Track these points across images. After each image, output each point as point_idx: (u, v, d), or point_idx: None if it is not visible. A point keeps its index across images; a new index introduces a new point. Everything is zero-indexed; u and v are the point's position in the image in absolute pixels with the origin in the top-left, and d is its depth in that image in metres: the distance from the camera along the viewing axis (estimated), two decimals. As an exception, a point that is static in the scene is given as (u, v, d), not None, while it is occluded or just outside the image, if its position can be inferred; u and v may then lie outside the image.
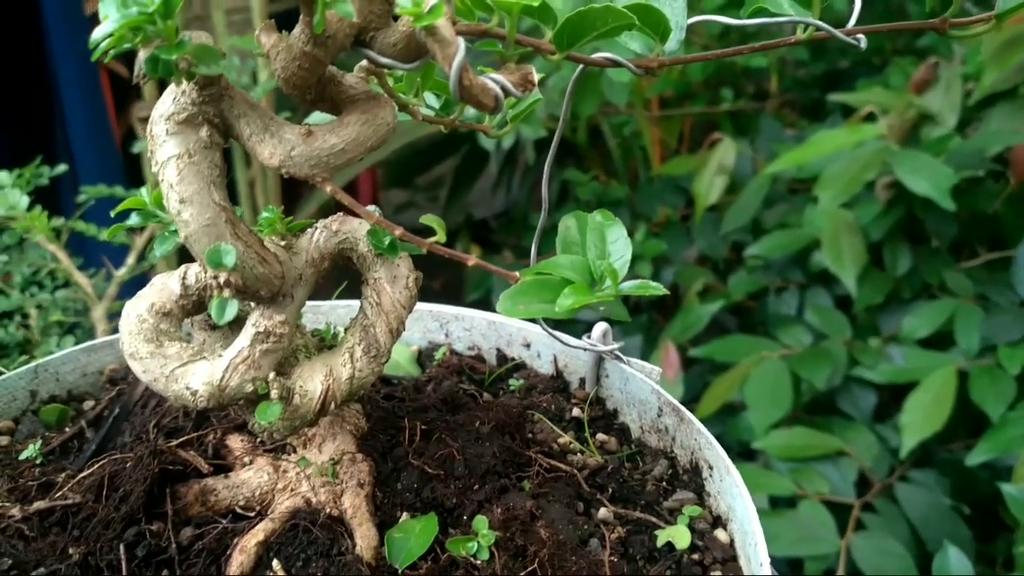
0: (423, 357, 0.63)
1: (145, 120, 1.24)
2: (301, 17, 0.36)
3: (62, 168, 0.92)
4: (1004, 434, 1.32)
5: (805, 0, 0.50)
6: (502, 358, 0.63)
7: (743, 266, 1.74)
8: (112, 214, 0.48)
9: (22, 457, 0.51)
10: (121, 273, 0.89)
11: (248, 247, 0.38)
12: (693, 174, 1.70)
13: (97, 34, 0.32)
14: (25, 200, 0.87)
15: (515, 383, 0.59)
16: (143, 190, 0.47)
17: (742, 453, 1.54)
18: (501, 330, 0.63)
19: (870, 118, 1.65)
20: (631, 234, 1.86)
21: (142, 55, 0.34)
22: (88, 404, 0.58)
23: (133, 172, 1.67)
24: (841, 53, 1.89)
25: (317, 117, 0.45)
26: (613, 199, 1.86)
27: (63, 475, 0.47)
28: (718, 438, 1.48)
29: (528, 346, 0.62)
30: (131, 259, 0.90)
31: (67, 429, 0.53)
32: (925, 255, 1.58)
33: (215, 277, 0.38)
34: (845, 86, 1.88)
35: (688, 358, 1.59)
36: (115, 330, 0.86)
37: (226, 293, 0.38)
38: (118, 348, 0.58)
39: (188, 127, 0.37)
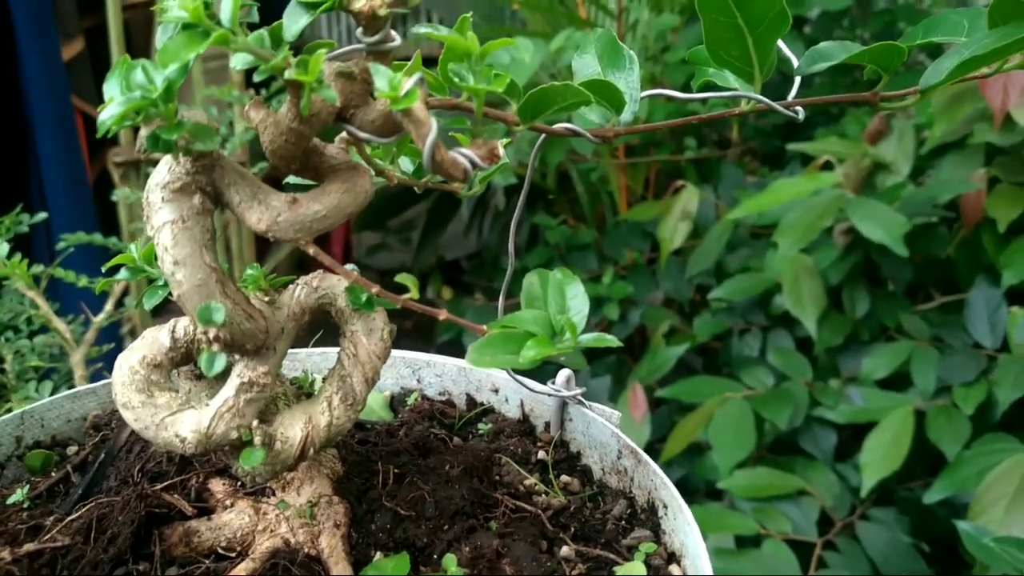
0: (396, 402, 0.66)
1: (120, 165, 1.28)
2: (288, 98, 0.40)
3: (42, 216, 0.95)
4: (960, 472, 1.37)
5: (748, 75, 0.54)
6: (471, 403, 0.66)
7: (707, 308, 1.79)
8: (103, 269, 0.51)
9: (9, 502, 0.53)
10: (99, 319, 0.91)
11: (236, 304, 0.42)
12: (658, 219, 1.76)
13: (104, 116, 0.36)
14: (5, 247, 0.90)
15: (484, 427, 0.63)
16: (133, 246, 0.51)
17: (708, 492, 1.58)
18: (471, 376, 0.66)
19: (827, 167, 1.72)
20: (599, 277, 1.91)
21: (144, 132, 0.37)
22: (72, 449, 0.60)
23: (106, 218, 1.69)
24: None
25: (293, 180, 0.48)
26: (581, 243, 1.91)
27: (51, 519, 0.50)
28: (685, 478, 1.51)
29: (496, 391, 0.65)
30: (109, 306, 0.93)
31: (53, 474, 0.56)
32: (882, 298, 1.64)
33: (205, 333, 0.41)
34: (804, 135, 1.96)
35: (655, 398, 1.63)
36: (94, 376, 0.88)
37: (215, 347, 0.41)
38: (101, 395, 0.62)
39: (182, 195, 0.41)
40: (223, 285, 0.41)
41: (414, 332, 2.22)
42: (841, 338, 1.59)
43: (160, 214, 0.40)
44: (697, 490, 1.57)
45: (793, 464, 1.48)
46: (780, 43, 0.54)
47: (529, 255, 1.93)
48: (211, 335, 0.41)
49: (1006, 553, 1.14)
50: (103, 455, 0.55)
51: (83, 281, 0.88)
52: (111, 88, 0.37)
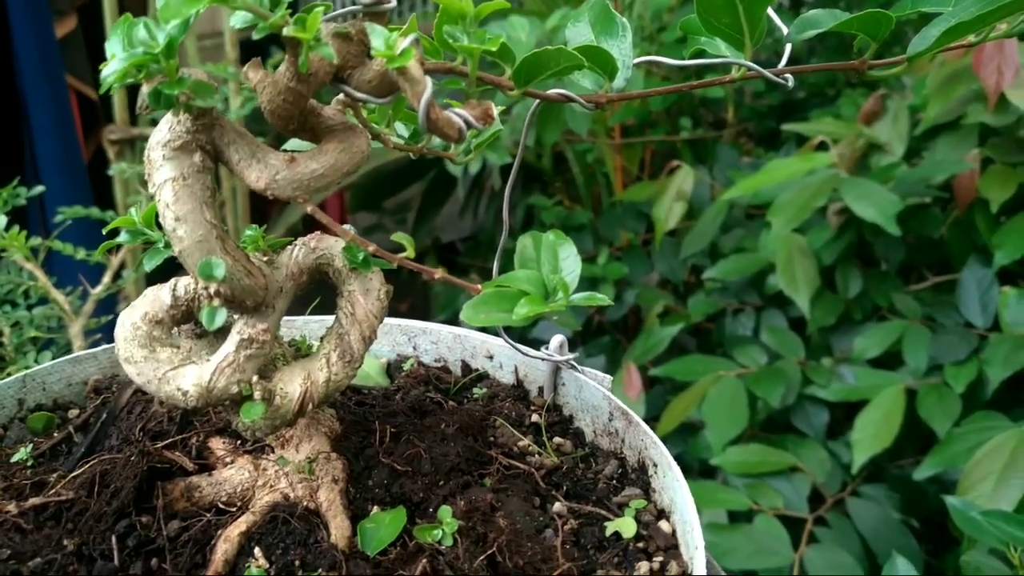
0: (392, 368, 0.68)
1: (116, 142, 1.28)
2: (286, 57, 0.41)
3: (39, 189, 0.96)
4: (950, 449, 1.38)
5: (739, 43, 0.55)
6: (467, 369, 0.67)
7: (702, 289, 1.80)
8: (104, 231, 0.52)
9: (14, 460, 0.54)
10: (97, 291, 0.92)
11: (236, 261, 0.43)
12: (653, 200, 1.77)
13: (106, 72, 0.37)
14: (3, 220, 0.91)
15: (479, 392, 0.64)
16: (133, 210, 0.52)
17: (702, 471, 1.60)
18: (466, 343, 0.68)
19: (822, 147, 1.73)
20: (594, 258, 1.92)
21: (145, 89, 0.38)
22: (73, 412, 0.61)
23: (101, 195, 1.69)
24: (798, 84, 1.98)
25: (295, 143, 0.50)
26: (577, 224, 1.92)
27: (55, 475, 0.51)
28: (679, 456, 1.53)
29: (491, 358, 0.67)
30: (107, 278, 0.94)
31: (55, 435, 0.57)
32: (875, 278, 1.65)
33: (206, 288, 0.42)
34: (799, 116, 1.97)
35: (649, 378, 1.65)
36: (92, 346, 0.90)
37: (216, 302, 0.42)
38: (101, 360, 0.63)
39: (183, 153, 0.42)
40: (223, 242, 0.42)
41: (408, 313, 2.23)
42: (834, 318, 1.60)
43: (161, 171, 0.41)
44: (691, 468, 1.58)
45: (785, 441, 1.50)
46: (770, 11, 0.55)
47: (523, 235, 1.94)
48: (211, 290, 0.42)
49: (993, 526, 1.15)
50: (105, 415, 0.56)
51: (80, 254, 0.89)
52: (113, 45, 0.38)
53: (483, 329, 0.65)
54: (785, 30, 0.58)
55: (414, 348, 0.69)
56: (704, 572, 0.45)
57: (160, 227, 0.47)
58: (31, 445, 0.55)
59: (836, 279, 1.65)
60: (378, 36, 0.39)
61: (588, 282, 1.84)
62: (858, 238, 1.63)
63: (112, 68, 0.36)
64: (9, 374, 0.92)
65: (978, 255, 1.58)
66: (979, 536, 1.17)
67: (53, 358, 0.89)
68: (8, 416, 0.60)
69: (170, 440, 0.52)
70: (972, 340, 1.51)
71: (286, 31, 0.37)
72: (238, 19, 0.39)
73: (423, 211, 2.23)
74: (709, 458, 1.47)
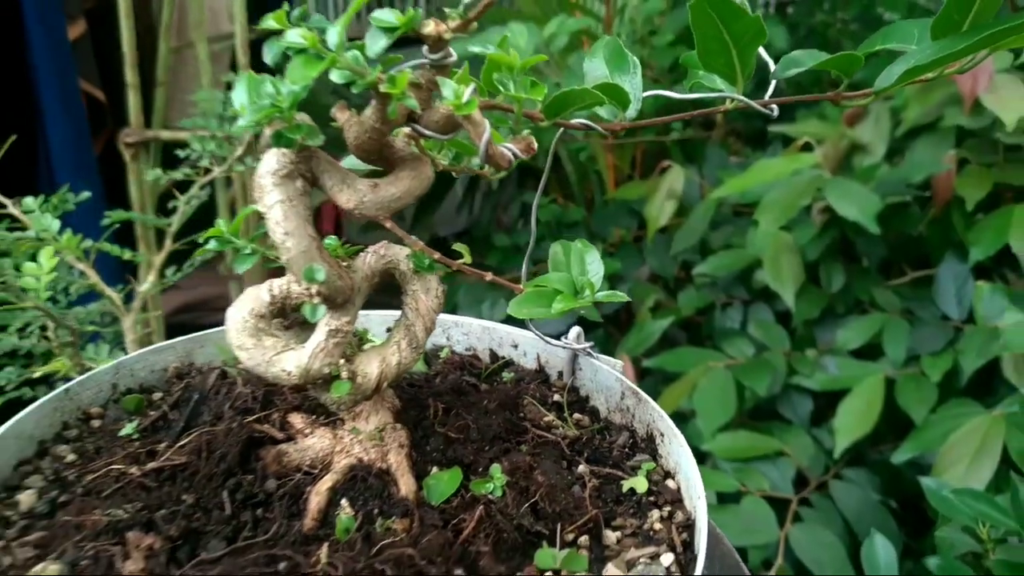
0: (429, 356, 0.80)
1: (131, 144, 1.39)
2: (373, 104, 0.53)
3: (86, 195, 1.07)
4: (926, 434, 1.52)
5: (732, 79, 0.68)
6: (495, 357, 0.80)
7: (691, 284, 1.93)
8: (200, 239, 0.63)
9: (122, 434, 0.66)
10: (144, 289, 1.04)
11: (330, 267, 0.55)
12: (645, 198, 1.90)
13: (242, 121, 0.48)
14: (56, 224, 1.02)
15: (507, 376, 0.76)
16: (222, 222, 0.63)
17: (694, 456, 1.72)
18: (493, 334, 0.80)
19: (807, 148, 1.86)
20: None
21: (268, 132, 0.50)
22: (157, 395, 0.73)
23: (111, 195, 1.80)
24: (786, 87, 2.11)
25: (351, 162, 0.61)
26: (571, 221, 2.05)
27: (162, 445, 0.63)
28: None
29: (516, 346, 0.79)
30: (152, 277, 1.05)
31: (150, 413, 0.69)
32: (857, 273, 1.79)
33: (308, 288, 0.54)
34: (786, 117, 2.10)
35: (642, 369, 1.77)
36: (144, 337, 1.01)
37: (316, 300, 0.54)
38: (178, 349, 0.75)
39: (288, 180, 0.53)
40: (320, 251, 0.54)
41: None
42: (818, 311, 1.74)
43: (271, 195, 0.53)
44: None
45: (772, 428, 1.63)
46: (761, 50, 0.68)
47: (520, 232, 2.06)
48: (314, 290, 0.54)
49: (963, 503, 1.29)
50: (196, 396, 0.68)
51: (127, 254, 1.01)
52: (240, 96, 0.50)
53: (506, 321, 0.77)
54: (772, 67, 0.71)
55: (448, 339, 0.82)
56: (705, 518, 0.57)
57: (259, 236, 0.59)
58: (135, 421, 0.67)
59: (820, 274, 1.78)
60: (447, 87, 0.51)
61: (583, 277, 1.97)
62: (841, 235, 1.77)
63: (247, 119, 0.48)
64: (62, 365, 1.04)
65: (954, 251, 1.71)
66: (951, 513, 1.30)
67: (110, 349, 1.01)
68: (105, 398, 0.72)
69: (257, 416, 0.64)
70: (948, 332, 1.65)
71: (381, 87, 0.49)
72: (339, 76, 0.50)
73: (421, 208, 2.35)
74: (700, 444, 1.60)
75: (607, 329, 2.01)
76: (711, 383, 1.62)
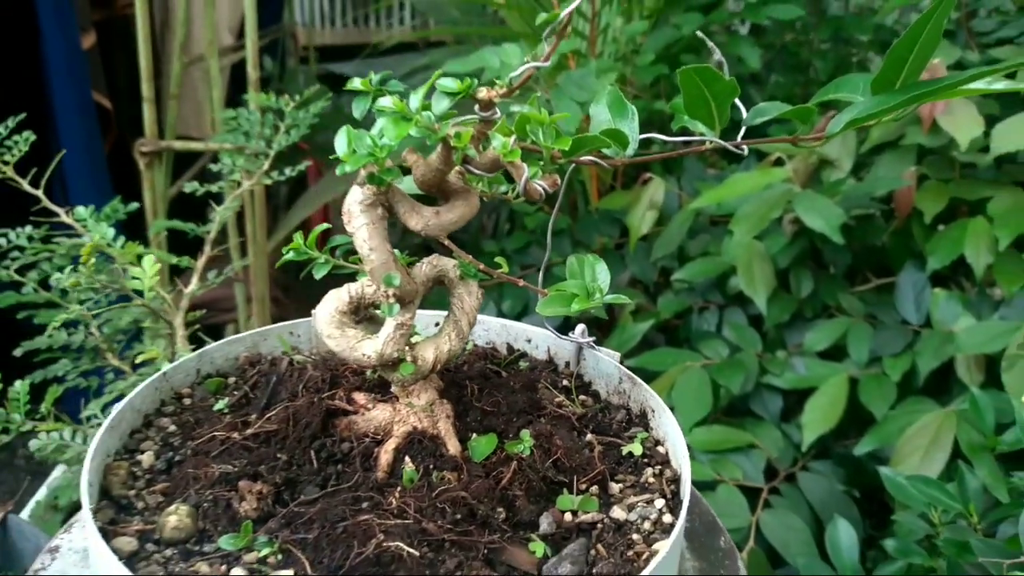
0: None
1: (146, 154, 1.59)
2: (439, 150, 0.72)
3: (134, 206, 1.25)
4: (885, 429, 1.72)
5: (712, 125, 0.88)
6: (511, 349, 0.99)
7: (670, 289, 2.14)
8: (284, 250, 0.82)
9: (215, 408, 0.85)
10: (191, 289, 1.22)
11: (402, 274, 0.74)
12: (627, 208, 2.10)
13: (348, 168, 0.67)
14: (111, 231, 1.20)
15: (523, 365, 0.96)
16: (299, 236, 0.82)
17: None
18: (510, 330, 1.00)
19: (779, 162, 2.08)
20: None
21: (364, 173, 0.69)
22: (231, 380, 0.92)
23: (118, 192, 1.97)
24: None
25: (408, 184, 0.80)
26: (556, 229, 2.25)
27: (252, 417, 0.82)
28: None
29: (529, 341, 0.99)
30: (195, 279, 1.24)
31: (234, 393, 0.87)
32: (824, 280, 2.00)
33: (386, 292, 0.73)
34: (761, 132, 2.31)
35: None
36: (192, 335, 1.20)
37: (392, 300, 0.73)
38: (247, 342, 0.94)
39: (371, 208, 0.73)
40: (395, 263, 0.74)
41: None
42: (788, 315, 1.95)
43: (358, 219, 0.73)
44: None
45: (745, 424, 1.84)
46: (736, 101, 0.88)
47: (508, 239, 2.26)
48: (391, 293, 0.73)
49: (916, 489, 1.50)
50: (274, 378, 0.87)
51: (185, 262, 1.19)
52: (341, 145, 0.69)
53: (517, 319, 0.97)
54: (744, 114, 0.91)
55: (472, 334, 1.01)
56: (689, 474, 0.77)
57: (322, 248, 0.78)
58: (224, 399, 0.86)
59: (790, 281, 1.99)
60: (497, 140, 0.71)
61: (568, 282, 2.17)
62: (810, 245, 1.98)
63: (351, 165, 0.67)
64: (108, 361, 1.22)
65: (914, 260, 1.93)
66: (905, 498, 1.51)
67: (165, 345, 1.19)
68: (192, 381, 0.90)
69: (327, 394, 0.83)
70: (907, 335, 1.87)
71: (451, 142, 0.69)
72: (416, 131, 0.69)
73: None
74: (678, 438, 1.80)
75: (592, 331, 2.21)
76: (688, 381, 1.82)
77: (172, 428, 0.84)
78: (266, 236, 1.94)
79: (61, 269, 1.30)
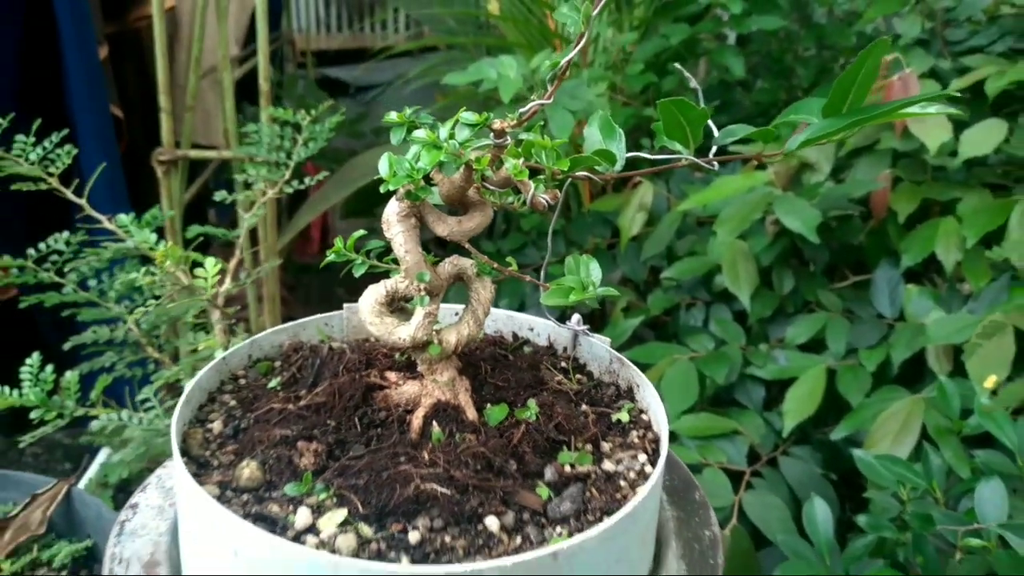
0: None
1: (163, 162, 1.81)
2: (462, 170, 0.93)
3: (171, 213, 1.46)
4: (860, 415, 1.94)
5: (687, 144, 1.09)
6: (516, 337, 1.20)
7: (659, 287, 2.35)
8: (328, 253, 1.03)
9: (269, 387, 1.06)
10: (226, 287, 1.43)
11: (431, 272, 0.95)
12: (618, 210, 2.31)
13: (391, 185, 0.88)
14: (153, 236, 1.41)
15: (527, 349, 1.17)
16: (338, 240, 1.03)
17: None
18: (514, 320, 1.21)
19: (762, 166, 2.29)
20: (563, 260, 2.48)
21: (402, 191, 0.90)
22: (278, 363, 1.13)
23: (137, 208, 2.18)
24: (743, 109, 2.56)
25: (434, 198, 1.01)
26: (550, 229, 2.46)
27: (302, 393, 1.02)
28: None
29: (532, 329, 1.20)
30: (228, 279, 1.44)
31: (283, 374, 1.08)
32: (804, 277, 2.22)
33: (419, 286, 0.94)
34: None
35: (616, 362, 2.19)
36: (229, 327, 1.40)
37: (423, 293, 0.94)
38: (289, 331, 1.15)
39: (405, 218, 0.94)
40: (426, 262, 0.95)
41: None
42: (770, 310, 2.17)
43: (395, 227, 0.93)
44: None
45: (729, 412, 2.06)
46: (710, 122, 1.09)
47: (504, 240, 2.48)
48: (423, 287, 0.94)
49: (884, 467, 1.71)
50: (318, 361, 1.08)
51: (220, 264, 1.40)
52: (384, 167, 0.90)
53: (519, 310, 1.18)
54: (716, 133, 1.12)
55: (480, 324, 1.22)
56: (667, 436, 0.98)
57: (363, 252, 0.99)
58: (277, 378, 1.07)
59: (772, 278, 2.21)
60: (509, 163, 0.92)
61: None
62: (791, 244, 2.20)
63: (393, 185, 0.88)
64: (147, 354, 1.42)
65: (889, 258, 2.15)
66: (876, 477, 1.72)
67: (194, 337, 1.39)
68: (245, 364, 1.11)
69: (364, 373, 1.04)
70: (882, 328, 2.09)
71: (472, 164, 0.90)
72: (445, 157, 0.90)
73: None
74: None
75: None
76: (676, 373, 2.04)
77: (233, 403, 1.05)
78: (276, 239, 2.15)
79: (100, 272, 1.50)
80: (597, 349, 1.14)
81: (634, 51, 2.38)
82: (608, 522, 0.81)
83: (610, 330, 2.27)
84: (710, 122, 1.11)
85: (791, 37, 2.60)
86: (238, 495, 0.90)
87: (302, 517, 0.85)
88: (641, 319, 2.26)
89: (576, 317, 1.15)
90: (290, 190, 1.56)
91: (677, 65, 1.16)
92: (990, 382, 1.78)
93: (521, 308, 2.37)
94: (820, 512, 1.78)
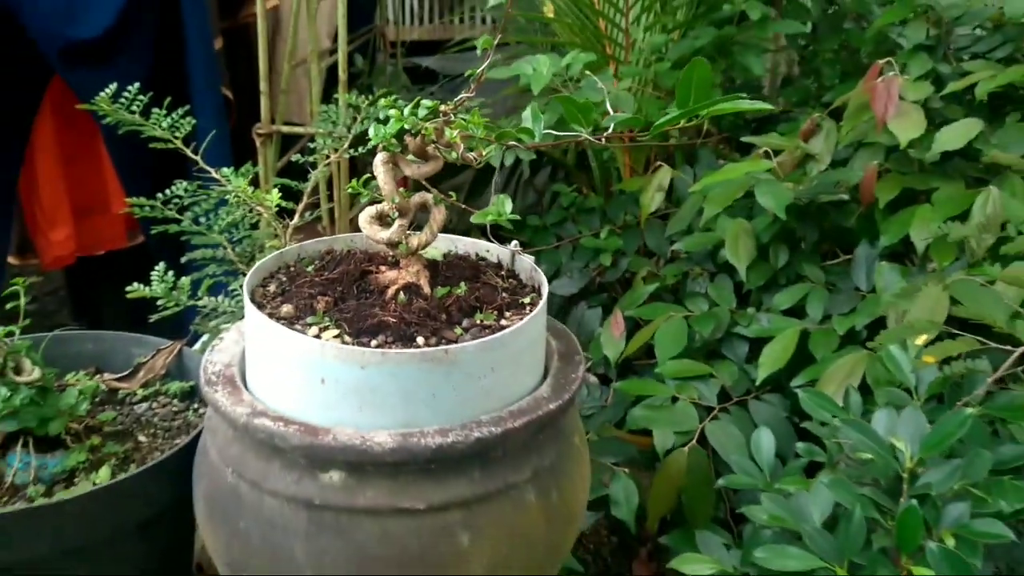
0: (447, 254, 2.12)
1: (260, 135, 2.90)
2: (421, 134, 1.85)
3: (258, 168, 2.44)
4: (819, 368, 2.72)
5: (582, 123, 1.98)
6: (477, 256, 2.12)
7: (678, 258, 3.21)
8: (348, 188, 1.96)
9: (307, 270, 2.00)
10: (294, 223, 2.38)
11: (401, 199, 1.87)
12: (641, 190, 3.19)
13: (372, 143, 1.80)
14: (248, 184, 2.38)
15: (481, 263, 2.08)
16: (354, 181, 1.96)
17: (652, 376, 2.99)
18: (477, 246, 2.12)
19: (770, 155, 3.12)
20: (598, 234, 3.46)
21: (381, 146, 1.83)
22: (316, 261, 2.07)
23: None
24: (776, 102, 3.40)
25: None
26: (588, 207, 3.35)
27: (327, 273, 1.96)
28: (638, 367, 3.17)
29: (488, 252, 2.11)
30: (296, 217, 2.39)
31: (317, 263, 2.02)
32: (798, 254, 3.03)
33: (392, 206, 1.86)
34: (772, 129, 3.36)
35: (626, 317, 3.06)
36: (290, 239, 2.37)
37: (396, 212, 1.86)
38: (320, 245, 2.10)
39: (387, 163, 1.86)
40: (398, 192, 1.87)
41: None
42: (763, 280, 2.98)
43: (380, 169, 1.87)
44: (644, 373, 2.99)
45: (713, 363, 2.89)
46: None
47: (547, 215, 3.39)
48: (395, 207, 1.86)
49: (816, 403, 2.52)
50: (339, 256, 2.01)
51: (288, 204, 2.35)
52: (371, 131, 1.82)
53: (553, 278, 2.09)
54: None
55: (455, 247, 2.13)
56: (545, 299, 1.86)
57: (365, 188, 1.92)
58: (312, 265, 2.01)
59: (769, 253, 3.03)
60: (448, 132, 1.82)
61: (592, 251, 3.28)
62: (792, 224, 3.02)
63: (375, 140, 1.80)
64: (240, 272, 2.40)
65: (870, 239, 2.94)
66: (811, 411, 2.53)
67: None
68: (295, 259, 2.06)
69: (364, 265, 1.97)
70: (856, 299, 2.88)
71: (424, 131, 1.81)
72: (408, 125, 1.81)
73: (471, 192, 3.70)
74: (656, 369, 2.87)
75: (610, 294, 3.30)
76: (668, 326, 2.89)
77: (284, 279, 2.00)
78: (349, 198, 3.11)
79: (208, 212, 2.50)
80: (526, 264, 2.04)
81: (668, 50, 3.25)
82: (481, 340, 1.71)
83: (631, 294, 3.13)
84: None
85: (818, 39, 3.40)
86: (279, 321, 1.83)
87: (312, 331, 1.78)
88: (656, 285, 3.10)
89: (515, 242, 2.05)
90: (348, 155, 2.50)
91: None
92: (921, 339, 2.56)
93: (556, 275, 3.27)
94: (765, 439, 2.58)
